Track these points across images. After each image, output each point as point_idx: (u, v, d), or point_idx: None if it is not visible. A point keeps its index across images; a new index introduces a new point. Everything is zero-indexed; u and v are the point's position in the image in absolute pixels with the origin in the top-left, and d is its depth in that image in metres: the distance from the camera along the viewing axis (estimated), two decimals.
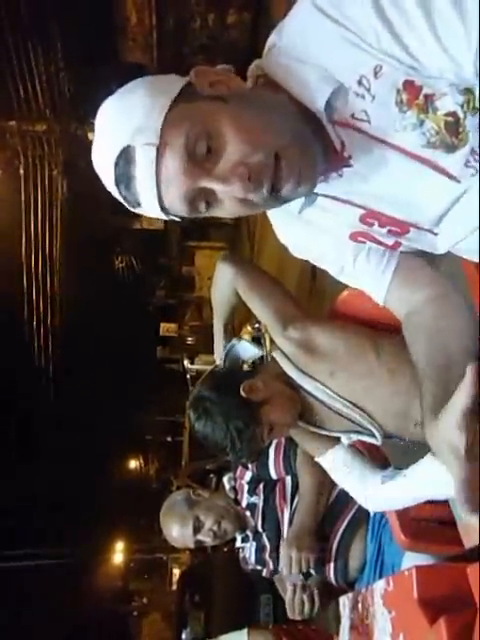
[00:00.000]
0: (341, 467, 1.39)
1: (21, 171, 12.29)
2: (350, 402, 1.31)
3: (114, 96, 0.79)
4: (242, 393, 1.29)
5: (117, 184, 0.77)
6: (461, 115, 0.73)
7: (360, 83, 0.74)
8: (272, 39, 0.81)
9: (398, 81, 0.73)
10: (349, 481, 1.41)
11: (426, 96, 0.73)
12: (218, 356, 1.44)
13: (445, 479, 1.16)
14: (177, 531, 1.86)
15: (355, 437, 1.36)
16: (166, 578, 15.79)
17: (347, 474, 1.39)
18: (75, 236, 14.08)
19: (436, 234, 0.86)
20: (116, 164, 0.76)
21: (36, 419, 14.12)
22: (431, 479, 1.20)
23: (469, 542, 1.23)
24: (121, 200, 0.80)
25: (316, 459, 1.44)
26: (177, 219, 0.83)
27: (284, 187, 0.74)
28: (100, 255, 16.17)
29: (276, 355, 1.34)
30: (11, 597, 12.57)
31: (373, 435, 1.33)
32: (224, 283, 1.38)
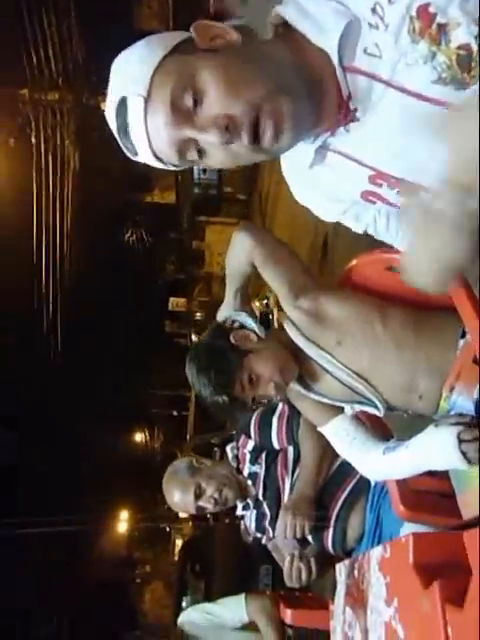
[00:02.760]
0: (343, 436, 1.40)
1: (33, 140, 12.21)
2: (355, 372, 1.31)
3: (125, 50, 0.83)
4: (232, 339, 1.33)
5: (118, 133, 0.82)
6: (475, 48, 0.71)
7: (374, 11, 0.73)
8: None
9: (412, 6, 0.71)
10: (351, 451, 1.41)
11: (440, 25, 0.71)
12: (221, 315, 1.44)
13: (446, 450, 1.17)
14: (179, 497, 1.88)
15: (358, 407, 1.36)
16: (169, 548, 16.08)
17: (349, 443, 1.39)
18: (86, 207, 14.04)
19: None
20: (117, 114, 0.80)
21: (43, 392, 14.27)
22: (432, 450, 1.20)
23: (468, 514, 1.24)
24: (124, 149, 0.83)
25: (319, 428, 1.44)
26: (176, 167, 0.85)
27: (264, 138, 0.75)
28: (111, 227, 16.11)
29: (285, 324, 1.34)
30: (18, 563, 12.87)
31: (376, 406, 1.33)
32: (241, 253, 1.38)
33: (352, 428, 1.39)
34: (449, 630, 0.84)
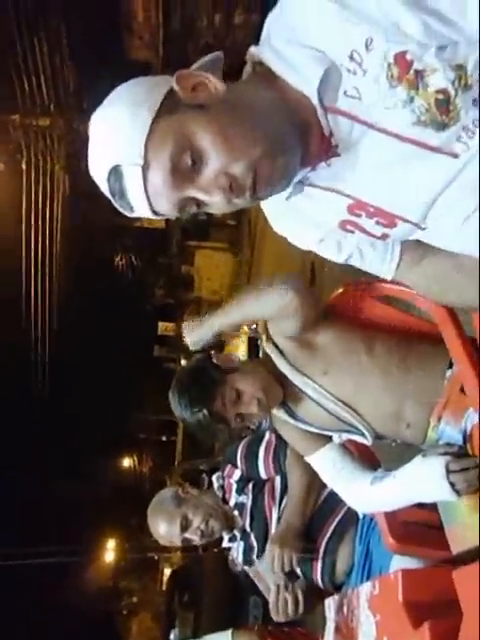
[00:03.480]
0: (331, 467, 1.38)
1: (23, 165, 12.27)
2: (341, 401, 1.30)
3: (103, 107, 0.82)
4: (214, 359, 1.32)
5: (112, 195, 0.82)
6: (452, 92, 0.72)
7: (352, 58, 0.73)
8: (267, 24, 0.81)
9: (389, 54, 0.72)
10: (338, 481, 1.39)
11: (417, 71, 0.72)
12: (194, 343, 1.37)
13: (434, 481, 1.15)
14: (164, 529, 1.83)
15: (346, 436, 1.35)
16: (157, 577, 15.75)
17: (336, 474, 1.37)
18: (76, 232, 14.07)
19: (424, 229, 0.85)
20: (108, 179, 0.80)
21: (31, 416, 14.08)
22: (420, 481, 1.18)
23: (456, 547, 1.22)
24: (118, 208, 0.84)
25: (306, 459, 1.42)
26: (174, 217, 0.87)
27: (260, 191, 0.79)
28: (100, 252, 16.13)
29: (270, 351, 1.33)
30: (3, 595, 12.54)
31: (363, 435, 1.32)
32: (275, 312, 1.27)
33: (339, 458, 1.37)
34: None
